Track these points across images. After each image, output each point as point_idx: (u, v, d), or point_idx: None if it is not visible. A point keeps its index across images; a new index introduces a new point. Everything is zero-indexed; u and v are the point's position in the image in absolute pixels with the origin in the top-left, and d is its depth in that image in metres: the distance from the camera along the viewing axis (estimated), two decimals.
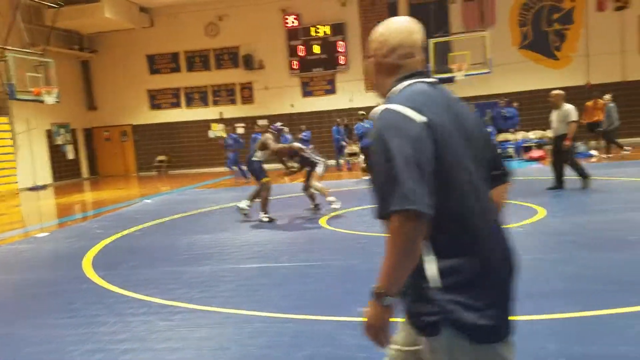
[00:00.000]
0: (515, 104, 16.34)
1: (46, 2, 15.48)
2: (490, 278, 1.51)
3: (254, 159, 8.01)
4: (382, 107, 1.58)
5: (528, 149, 15.34)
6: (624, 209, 6.80)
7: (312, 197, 8.41)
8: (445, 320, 1.46)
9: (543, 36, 18.01)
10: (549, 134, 15.45)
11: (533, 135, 16.27)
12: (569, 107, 8.60)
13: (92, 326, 3.91)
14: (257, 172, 7.96)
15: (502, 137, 16.27)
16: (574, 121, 8.50)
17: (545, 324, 3.35)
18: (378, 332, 1.54)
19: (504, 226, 1.64)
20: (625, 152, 13.85)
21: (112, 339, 3.63)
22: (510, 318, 1.54)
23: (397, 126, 1.49)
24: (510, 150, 15.81)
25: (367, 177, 13.01)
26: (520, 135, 16.36)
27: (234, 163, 15.11)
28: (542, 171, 12.02)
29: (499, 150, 1.81)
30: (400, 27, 1.71)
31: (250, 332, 3.58)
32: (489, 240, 1.54)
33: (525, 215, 6.93)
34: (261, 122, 20.02)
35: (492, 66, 15.32)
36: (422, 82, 1.64)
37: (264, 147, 7.90)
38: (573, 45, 17.87)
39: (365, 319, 1.55)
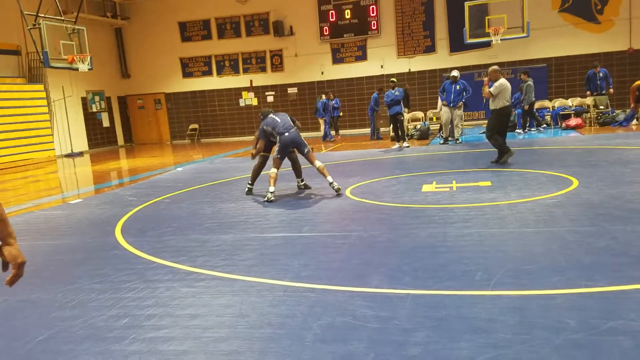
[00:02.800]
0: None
1: None
2: None
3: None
4: None
5: (566, 116, 14.83)
6: None
7: (321, 172, 7.68)
8: None
9: None
10: (588, 101, 14.97)
11: (571, 102, 15.69)
12: (499, 82, 8.87)
13: (120, 292, 4.03)
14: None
15: (539, 104, 15.76)
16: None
17: (567, 298, 3.28)
18: None
19: None
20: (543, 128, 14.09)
21: (139, 305, 3.73)
22: None
23: None
24: (547, 118, 15.33)
25: (396, 146, 12.90)
26: (557, 103, 15.82)
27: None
28: (579, 140, 11.64)
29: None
30: None
31: (270, 301, 3.63)
32: None
33: (559, 185, 6.76)
34: (291, 90, 20.10)
35: (530, 30, 14.72)
36: None
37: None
38: (615, 9, 17.01)
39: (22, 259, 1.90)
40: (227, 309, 3.55)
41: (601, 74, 14.79)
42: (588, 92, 15.06)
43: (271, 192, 7.24)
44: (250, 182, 8.04)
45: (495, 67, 9.26)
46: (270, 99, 20.47)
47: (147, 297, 3.88)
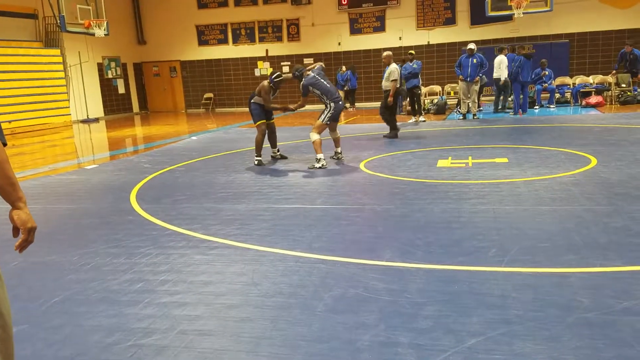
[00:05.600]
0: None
1: None
2: None
3: (252, 101, 8.09)
4: None
5: (587, 94, 14.52)
6: None
7: (335, 142, 8.00)
8: None
9: None
10: (610, 78, 14.63)
11: (592, 79, 15.34)
12: (392, 67, 9.89)
13: (134, 257, 4.08)
14: (253, 115, 8.10)
15: (560, 81, 15.45)
16: (394, 80, 9.76)
17: (581, 277, 3.25)
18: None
19: None
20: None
21: (153, 270, 3.77)
22: None
23: None
24: (567, 95, 15.05)
25: (412, 120, 12.77)
26: (578, 80, 15.48)
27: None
28: (599, 118, 11.43)
29: None
30: None
31: (282, 270, 3.65)
32: None
33: (577, 164, 6.66)
34: (306, 61, 19.87)
35: (554, 4, 14.33)
36: None
37: (259, 93, 7.96)
38: None
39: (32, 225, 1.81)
40: (239, 277, 3.58)
41: (632, 56, 14.29)
42: (613, 71, 14.66)
43: (323, 158, 7.39)
44: (257, 154, 8.00)
45: (389, 52, 10.21)
46: (285, 69, 20.28)
47: (161, 262, 3.92)
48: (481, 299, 3.04)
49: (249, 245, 4.24)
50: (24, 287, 3.59)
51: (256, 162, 7.97)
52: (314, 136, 7.45)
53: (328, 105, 7.48)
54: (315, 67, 7.72)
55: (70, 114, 17.56)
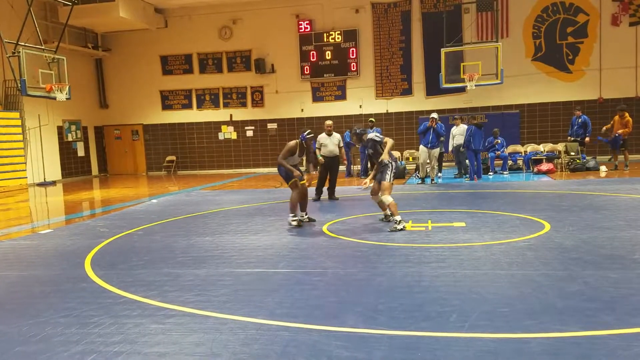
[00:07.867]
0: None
1: None
2: None
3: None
4: None
5: (538, 161, 15.20)
6: (629, 227, 6.70)
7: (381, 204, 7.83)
8: None
9: (556, 49, 17.92)
10: (560, 147, 15.39)
11: (543, 147, 16.12)
12: (335, 135, 10.83)
13: (86, 327, 3.90)
14: (284, 176, 7.91)
15: (512, 148, 16.14)
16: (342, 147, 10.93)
17: (541, 342, 3.28)
18: None
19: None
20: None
21: (105, 341, 3.61)
22: None
23: None
24: (520, 163, 15.68)
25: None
26: (529, 148, 16.23)
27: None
28: (551, 185, 11.91)
29: None
30: None
31: (243, 339, 3.55)
32: None
33: (531, 229, 6.86)
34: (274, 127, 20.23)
35: (504, 77, 15.21)
36: None
37: (291, 154, 7.79)
38: (586, 59, 17.76)
39: None
40: (197, 347, 3.46)
41: (580, 120, 15.12)
42: (569, 138, 15.44)
43: (402, 219, 7.26)
44: (293, 213, 7.74)
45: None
46: (249, 133, 20.55)
47: (115, 333, 3.76)
48: None
49: (209, 312, 4.13)
50: None
51: (294, 224, 7.68)
52: (389, 199, 7.34)
53: (390, 164, 7.45)
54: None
55: (26, 177, 17.10)
